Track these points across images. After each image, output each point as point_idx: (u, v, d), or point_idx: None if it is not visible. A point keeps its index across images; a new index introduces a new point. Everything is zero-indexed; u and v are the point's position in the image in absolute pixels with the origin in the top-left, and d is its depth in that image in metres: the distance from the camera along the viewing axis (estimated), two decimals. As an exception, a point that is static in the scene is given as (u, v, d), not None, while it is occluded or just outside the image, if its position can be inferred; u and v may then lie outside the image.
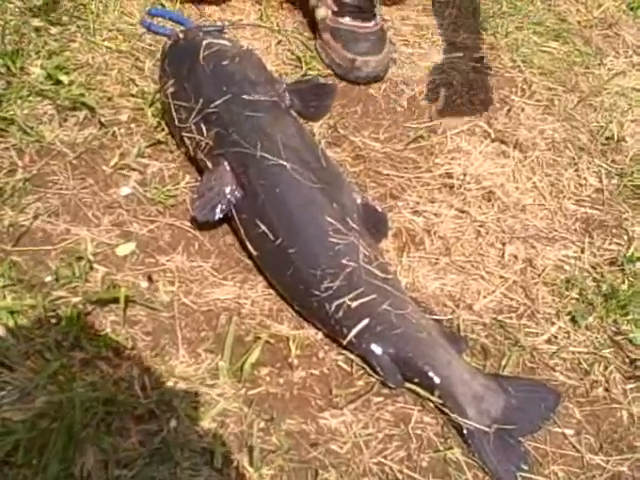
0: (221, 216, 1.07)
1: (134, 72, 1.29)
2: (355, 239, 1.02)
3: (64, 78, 1.23)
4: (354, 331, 0.96)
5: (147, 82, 1.27)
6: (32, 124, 1.16)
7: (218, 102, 1.12)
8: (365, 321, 0.97)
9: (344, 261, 1.00)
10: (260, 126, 1.11)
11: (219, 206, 1.06)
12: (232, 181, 1.07)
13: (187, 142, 1.14)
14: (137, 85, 1.27)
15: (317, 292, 0.98)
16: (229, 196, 1.06)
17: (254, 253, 1.05)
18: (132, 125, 1.21)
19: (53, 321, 0.94)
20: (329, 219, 1.03)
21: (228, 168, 1.08)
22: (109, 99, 1.23)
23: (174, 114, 1.16)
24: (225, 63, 1.19)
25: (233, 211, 1.06)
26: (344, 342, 0.98)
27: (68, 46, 1.30)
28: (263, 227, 1.03)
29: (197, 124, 1.12)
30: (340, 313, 0.97)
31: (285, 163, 1.06)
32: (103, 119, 1.20)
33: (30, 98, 1.19)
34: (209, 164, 1.11)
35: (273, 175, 1.06)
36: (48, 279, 0.98)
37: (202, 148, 1.11)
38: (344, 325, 0.97)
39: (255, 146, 1.07)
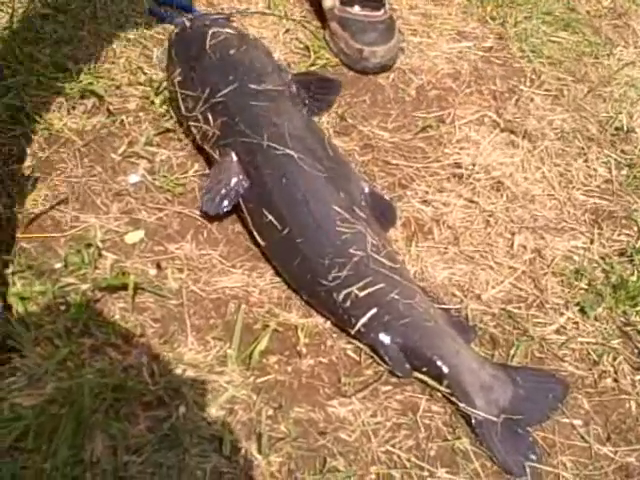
0: (229, 209, 1.07)
1: (142, 60, 1.29)
2: (363, 228, 1.02)
3: (72, 66, 1.23)
4: (362, 321, 0.96)
5: (155, 70, 1.27)
6: (40, 112, 1.16)
7: (224, 92, 1.12)
8: (373, 310, 0.97)
9: (352, 250, 0.99)
10: (267, 115, 1.11)
11: (227, 199, 1.06)
12: (239, 173, 1.07)
13: (194, 131, 1.14)
14: (145, 73, 1.26)
15: (325, 282, 0.98)
16: (237, 188, 1.06)
17: (262, 243, 1.05)
18: (140, 113, 1.20)
19: (62, 308, 0.94)
20: (336, 208, 1.03)
21: (235, 159, 1.08)
22: (117, 87, 1.23)
23: (181, 103, 1.16)
24: (231, 52, 1.18)
25: (241, 201, 1.07)
26: (352, 331, 0.98)
27: (76, 34, 1.30)
28: (270, 217, 1.03)
29: (204, 114, 1.12)
30: (348, 302, 0.97)
31: (292, 152, 1.06)
32: (111, 107, 1.20)
33: (38, 86, 1.19)
34: (216, 154, 1.10)
35: (280, 165, 1.06)
36: (57, 266, 0.98)
37: (209, 138, 1.11)
38: (352, 314, 0.97)
39: (262, 136, 1.07)
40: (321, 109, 1.25)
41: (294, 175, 1.05)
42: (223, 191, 1.06)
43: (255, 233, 1.05)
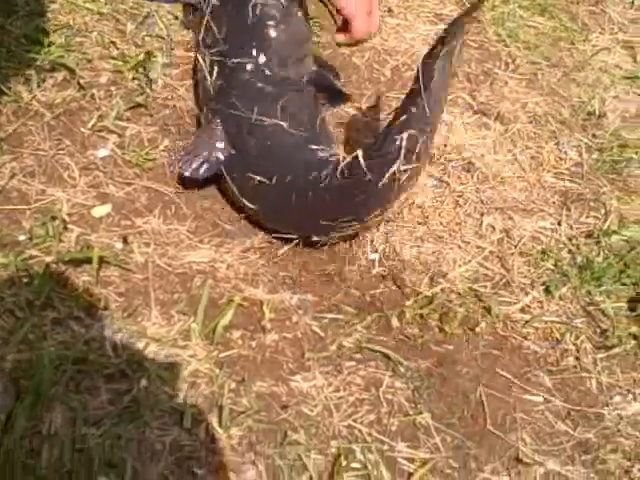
0: (208, 175, 1.05)
1: (115, 35, 1.27)
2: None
3: (43, 39, 1.21)
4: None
5: (128, 45, 1.26)
6: (9, 84, 1.14)
7: (238, 60, 1.07)
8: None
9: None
10: (267, 99, 1.07)
11: (206, 164, 1.05)
12: (223, 141, 1.06)
13: (199, 65, 1.11)
14: (117, 48, 1.25)
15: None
16: (219, 155, 1.05)
17: (253, 207, 1.04)
18: (112, 87, 1.19)
19: (25, 280, 0.93)
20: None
21: (220, 128, 1.06)
22: (89, 61, 1.22)
23: (201, 36, 1.11)
24: (270, 23, 1.08)
25: (224, 171, 1.05)
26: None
27: (48, 7, 1.28)
28: (257, 178, 1.01)
29: (211, 64, 1.09)
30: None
31: (279, 122, 1.04)
32: (82, 81, 1.19)
33: (8, 58, 1.18)
34: (203, 117, 1.10)
35: (265, 132, 1.04)
36: (22, 238, 0.98)
37: (205, 93, 1.10)
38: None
39: (252, 111, 1.05)
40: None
41: (278, 139, 1.04)
42: (205, 153, 1.05)
43: (244, 201, 1.04)
